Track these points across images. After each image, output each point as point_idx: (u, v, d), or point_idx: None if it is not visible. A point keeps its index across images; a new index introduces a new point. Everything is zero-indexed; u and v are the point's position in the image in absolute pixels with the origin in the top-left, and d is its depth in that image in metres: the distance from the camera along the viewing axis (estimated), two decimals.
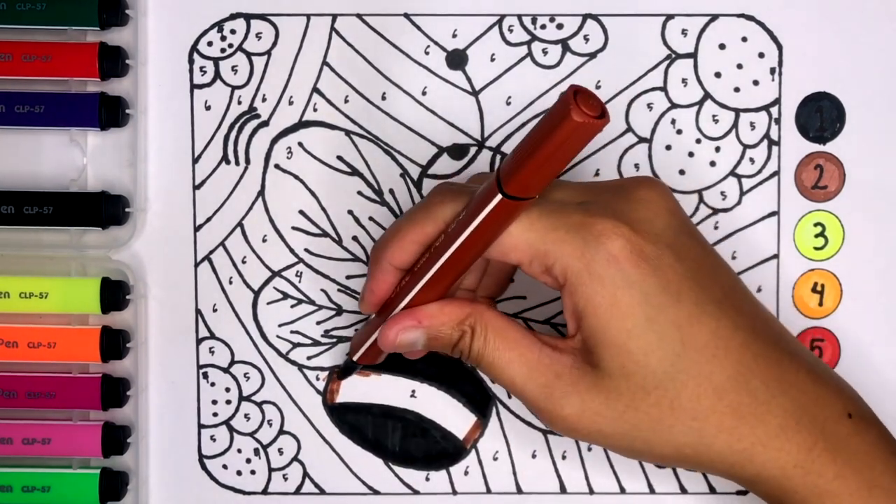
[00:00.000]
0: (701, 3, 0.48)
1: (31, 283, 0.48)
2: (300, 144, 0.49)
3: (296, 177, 0.49)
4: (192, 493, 0.50)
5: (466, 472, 0.50)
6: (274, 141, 0.49)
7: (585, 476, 0.49)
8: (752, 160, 0.49)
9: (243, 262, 0.49)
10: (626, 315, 0.38)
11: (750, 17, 0.48)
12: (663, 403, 0.39)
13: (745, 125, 0.48)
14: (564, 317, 0.40)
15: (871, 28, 0.48)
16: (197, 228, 0.49)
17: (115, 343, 0.48)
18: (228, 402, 0.50)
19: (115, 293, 0.48)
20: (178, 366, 0.49)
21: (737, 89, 0.48)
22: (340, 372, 0.49)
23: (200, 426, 0.50)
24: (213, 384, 0.49)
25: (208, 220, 0.49)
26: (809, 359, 0.41)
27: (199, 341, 0.49)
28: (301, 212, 0.49)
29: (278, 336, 0.49)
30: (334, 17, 0.49)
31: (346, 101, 0.49)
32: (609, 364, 0.39)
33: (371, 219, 0.49)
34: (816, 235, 0.49)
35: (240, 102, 0.49)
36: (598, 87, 0.48)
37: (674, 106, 0.49)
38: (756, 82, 0.48)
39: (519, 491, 0.50)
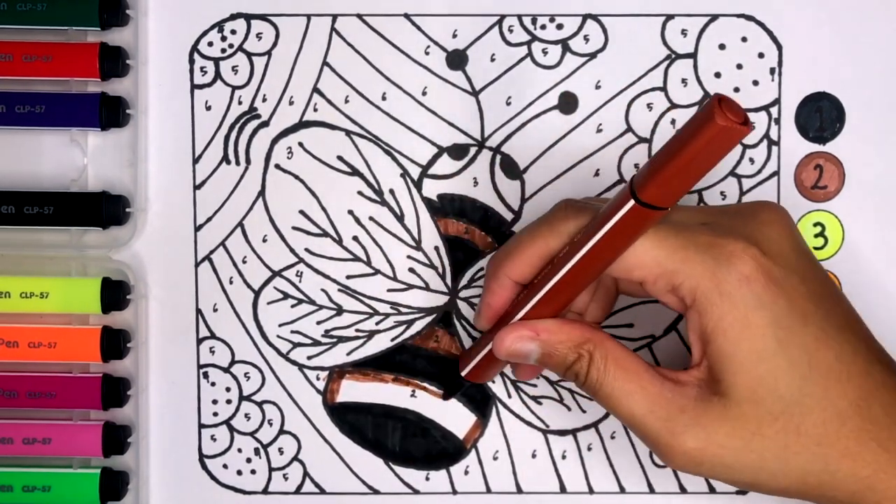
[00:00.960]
0: (701, 4, 0.48)
1: (32, 283, 0.48)
2: (300, 144, 0.49)
3: (296, 177, 0.49)
4: (193, 493, 0.50)
5: (466, 472, 0.50)
6: (274, 141, 0.49)
7: (585, 476, 0.49)
8: (751, 160, 0.49)
9: (244, 261, 0.49)
10: (757, 337, 0.38)
11: (750, 18, 0.48)
12: (790, 429, 0.38)
13: None
14: (689, 341, 0.40)
15: (871, 28, 0.48)
16: (197, 228, 0.49)
17: (115, 343, 0.48)
18: (229, 401, 0.50)
19: (115, 293, 0.48)
20: (178, 365, 0.49)
21: (737, 89, 0.48)
22: (446, 392, 0.49)
23: (201, 426, 0.50)
24: (213, 384, 0.49)
25: (209, 220, 0.49)
26: None
27: (199, 341, 0.49)
28: (301, 212, 0.49)
29: (278, 336, 0.49)
30: (334, 17, 0.49)
31: (347, 101, 0.49)
32: (737, 389, 0.38)
33: (371, 219, 0.49)
34: (816, 235, 0.49)
35: (240, 102, 0.49)
36: (598, 88, 0.48)
37: (674, 106, 0.49)
38: (756, 82, 0.48)
39: (519, 491, 0.50)
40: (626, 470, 0.49)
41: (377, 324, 0.49)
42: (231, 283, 0.49)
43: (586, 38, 0.48)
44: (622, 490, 0.49)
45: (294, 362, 0.50)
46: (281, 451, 0.50)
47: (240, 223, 0.49)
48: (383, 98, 0.49)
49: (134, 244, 0.49)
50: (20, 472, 0.48)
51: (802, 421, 0.38)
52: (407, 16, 0.49)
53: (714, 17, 0.48)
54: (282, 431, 0.50)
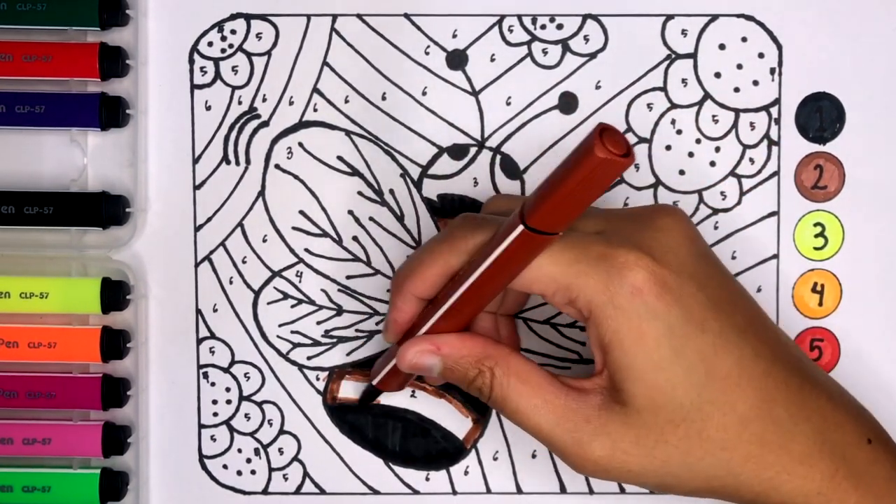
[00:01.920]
0: (701, 4, 0.48)
1: (32, 283, 0.48)
2: (300, 144, 0.49)
3: (296, 177, 0.49)
4: (193, 493, 0.50)
5: (466, 472, 0.50)
6: (274, 141, 0.49)
7: (585, 476, 0.49)
8: (751, 160, 0.49)
9: (243, 262, 0.49)
10: (652, 348, 0.38)
11: (750, 18, 0.48)
12: (692, 435, 0.39)
13: (745, 125, 0.49)
14: (590, 349, 0.40)
15: (871, 28, 0.48)
16: (197, 228, 0.49)
17: (115, 343, 0.48)
18: (229, 401, 0.50)
19: (115, 293, 0.48)
20: (178, 366, 0.49)
21: (737, 89, 0.48)
22: (361, 399, 0.49)
23: (201, 426, 0.50)
24: (213, 384, 0.49)
25: (209, 220, 0.49)
26: (829, 384, 0.41)
27: (199, 341, 0.49)
28: (301, 212, 0.49)
29: (278, 336, 0.49)
30: (334, 17, 0.49)
31: (346, 101, 0.49)
32: (638, 399, 0.39)
33: (371, 219, 0.49)
34: (816, 235, 0.49)
35: (240, 102, 0.49)
36: (598, 88, 0.48)
37: (674, 106, 0.49)
38: (756, 82, 0.48)
39: (519, 491, 0.50)
40: None
41: (377, 324, 0.49)
42: (231, 283, 0.49)
43: (586, 38, 0.48)
44: (622, 490, 0.49)
45: (294, 362, 0.50)
46: (281, 451, 0.50)
47: (240, 223, 0.49)
48: (383, 98, 0.49)
49: (134, 244, 0.49)
50: (20, 472, 0.48)
51: (704, 427, 0.39)
52: (407, 16, 0.49)
53: (714, 17, 0.48)
54: (282, 432, 0.50)
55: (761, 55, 0.48)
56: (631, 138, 0.49)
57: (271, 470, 0.50)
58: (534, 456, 0.50)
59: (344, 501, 0.50)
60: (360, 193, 0.49)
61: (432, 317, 0.42)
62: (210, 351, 0.49)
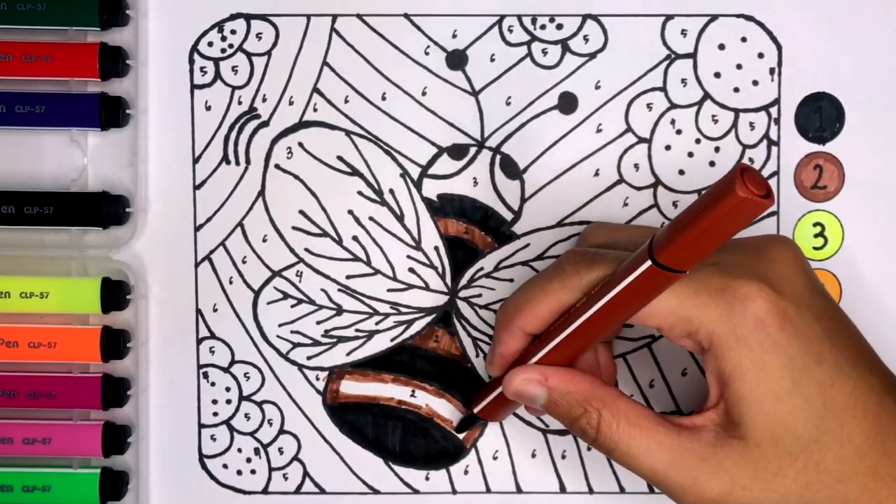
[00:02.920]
0: (700, 4, 0.48)
1: (32, 283, 0.48)
2: (300, 144, 0.49)
3: (296, 177, 0.49)
4: (193, 493, 0.50)
5: (466, 472, 0.50)
6: (274, 141, 0.49)
7: (585, 476, 0.49)
8: (751, 160, 0.49)
9: (243, 261, 0.49)
10: (774, 379, 0.38)
11: (749, 18, 0.48)
12: (810, 468, 0.39)
13: (745, 125, 0.49)
14: (707, 381, 0.40)
15: (871, 28, 0.48)
16: (197, 228, 0.49)
17: (115, 343, 0.48)
18: (229, 401, 0.50)
19: (115, 293, 0.48)
20: (178, 365, 0.49)
21: (736, 89, 0.48)
22: (458, 425, 0.49)
23: (201, 426, 0.50)
24: (213, 384, 0.49)
25: (209, 220, 0.49)
26: None
27: (199, 341, 0.49)
28: (301, 212, 0.49)
29: (278, 336, 0.49)
30: (334, 17, 0.49)
31: (346, 101, 0.49)
32: (757, 431, 0.38)
33: (371, 219, 0.49)
34: (816, 235, 0.49)
35: (240, 102, 0.49)
36: (597, 88, 0.48)
37: (673, 106, 0.49)
38: (755, 82, 0.48)
39: (519, 490, 0.50)
40: (625, 470, 0.49)
41: (377, 324, 0.49)
42: (231, 283, 0.49)
43: (586, 39, 0.48)
44: (622, 490, 0.49)
45: (294, 362, 0.50)
46: (281, 451, 0.50)
47: (240, 223, 0.49)
48: (383, 98, 0.49)
49: (134, 244, 0.49)
50: (20, 472, 0.48)
51: (822, 459, 0.39)
52: (407, 16, 0.49)
53: (714, 18, 0.48)
54: (282, 431, 0.50)
55: (761, 55, 0.48)
56: (631, 138, 0.49)
57: (271, 470, 0.50)
58: (533, 455, 0.50)
59: (344, 501, 0.50)
60: (360, 193, 0.49)
61: (540, 351, 0.42)
62: (210, 351, 0.49)
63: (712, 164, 0.49)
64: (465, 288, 0.49)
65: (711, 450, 0.39)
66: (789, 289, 0.39)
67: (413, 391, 0.49)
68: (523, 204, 0.49)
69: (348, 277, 0.49)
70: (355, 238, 0.49)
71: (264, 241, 0.49)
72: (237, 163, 0.49)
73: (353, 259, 0.49)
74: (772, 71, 0.48)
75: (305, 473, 0.50)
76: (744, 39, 0.48)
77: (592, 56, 0.48)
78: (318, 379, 0.50)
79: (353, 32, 0.49)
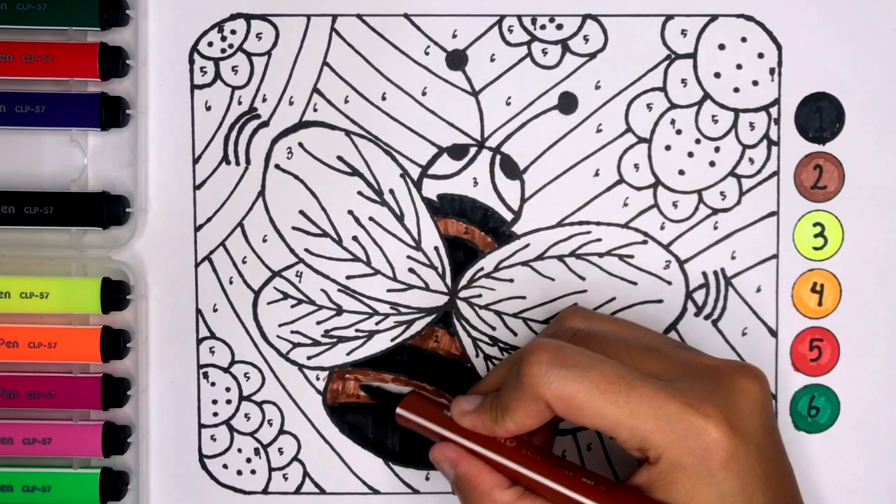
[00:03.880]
0: (700, 4, 0.48)
1: (32, 283, 0.48)
2: (300, 144, 0.49)
3: (296, 177, 0.49)
4: (193, 493, 0.50)
5: None
6: (274, 141, 0.49)
7: None
8: (751, 160, 0.49)
9: (243, 262, 0.49)
10: None
11: (749, 18, 0.48)
12: None
13: (745, 125, 0.49)
14: (637, 470, 0.41)
15: (870, 28, 0.48)
16: (197, 228, 0.49)
17: (115, 343, 0.48)
18: (229, 401, 0.50)
19: (115, 293, 0.48)
20: (178, 365, 0.49)
21: (736, 89, 0.48)
22: (374, 391, 0.49)
23: (201, 426, 0.50)
24: (213, 384, 0.49)
25: (209, 220, 0.49)
26: None
27: (199, 341, 0.49)
28: (301, 212, 0.49)
29: (278, 336, 0.49)
30: (334, 17, 0.49)
31: (346, 101, 0.49)
32: None
33: (371, 219, 0.49)
34: (816, 235, 0.49)
35: (240, 103, 0.49)
36: (597, 88, 0.48)
37: (673, 106, 0.49)
38: (755, 82, 0.48)
39: None
40: (625, 470, 0.49)
41: (377, 324, 0.49)
42: (231, 283, 0.49)
43: (586, 39, 0.48)
44: None
45: (294, 362, 0.50)
46: (281, 451, 0.50)
47: (240, 223, 0.49)
48: (383, 98, 0.49)
49: (134, 244, 0.49)
50: (20, 472, 0.48)
51: None
52: (407, 16, 0.49)
53: (714, 18, 0.48)
54: (282, 431, 0.50)
55: (761, 55, 0.48)
56: (631, 138, 0.49)
57: (271, 470, 0.50)
58: None
59: (344, 501, 0.50)
60: (360, 193, 0.49)
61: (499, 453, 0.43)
62: (210, 351, 0.49)
63: (712, 164, 0.49)
64: (465, 288, 0.49)
65: None
66: (745, 427, 0.39)
67: (413, 391, 0.49)
68: (523, 204, 0.49)
69: (348, 277, 0.49)
70: (355, 238, 0.49)
71: (264, 241, 0.49)
72: (237, 163, 0.49)
73: (353, 259, 0.49)
74: (772, 71, 0.48)
75: (305, 473, 0.50)
76: (744, 39, 0.48)
77: (592, 56, 0.49)
78: (318, 379, 0.50)
79: (353, 32, 0.49)
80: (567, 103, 0.49)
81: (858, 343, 0.49)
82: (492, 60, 0.49)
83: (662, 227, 0.49)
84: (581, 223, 0.49)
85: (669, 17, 0.48)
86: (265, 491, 0.50)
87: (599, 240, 0.49)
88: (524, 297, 0.49)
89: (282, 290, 0.49)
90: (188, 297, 0.49)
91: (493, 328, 0.49)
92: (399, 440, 0.50)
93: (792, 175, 0.49)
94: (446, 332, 0.49)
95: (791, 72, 0.48)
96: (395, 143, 0.49)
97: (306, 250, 0.49)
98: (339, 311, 0.49)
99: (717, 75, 0.48)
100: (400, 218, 0.49)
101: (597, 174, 0.49)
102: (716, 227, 0.49)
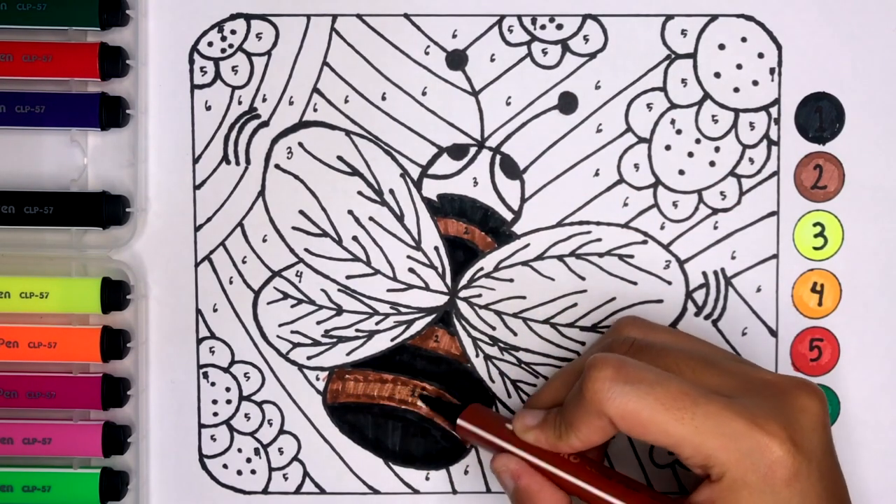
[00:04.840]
0: (700, 4, 0.48)
1: (32, 282, 0.48)
2: (300, 144, 0.49)
3: (296, 177, 0.49)
4: (193, 493, 0.50)
5: (466, 472, 0.50)
6: (274, 141, 0.49)
7: None
8: (751, 160, 0.49)
9: (243, 262, 0.49)
10: None
11: (749, 18, 0.48)
12: None
13: (745, 125, 0.49)
14: (696, 486, 0.41)
15: (870, 28, 0.48)
16: (197, 228, 0.49)
17: (115, 343, 0.48)
18: (229, 401, 0.50)
19: (115, 293, 0.48)
20: (178, 365, 0.49)
21: (736, 89, 0.48)
22: (435, 403, 0.49)
23: (201, 426, 0.50)
24: (213, 384, 0.49)
25: (208, 220, 0.49)
26: None
27: (199, 341, 0.49)
28: (301, 212, 0.49)
29: (278, 336, 0.49)
30: (334, 17, 0.49)
31: (346, 101, 0.49)
32: None
33: (371, 219, 0.49)
34: (816, 235, 0.49)
35: (240, 102, 0.49)
36: (597, 88, 0.48)
37: (673, 106, 0.49)
38: (755, 82, 0.48)
39: None
40: (625, 469, 0.49)
41: (377, 324, 0.49)
42: (231, 283, 0.49)
43: (586, 39, 0.48)
44: None
45: (294, 362, 0.50)
46: (281, 451, 0.50)
47: (240, 223, 0.49)
48: (383, 98, 0.49)
49: (134, 244, 0.49)
50: (20, 472, 0.48)
51: None
52: (407, 16, 0.49)
53: (714, 18, 0.48)
54: (282, 431, 0.50)
55: (761, 55, 0.48)
56: (631, 138, 0.49)
57: (271, 470, 0.50)
58: None
59: (344, 501, 0.50)
60: (360, 193, 0.49)
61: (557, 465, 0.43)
62: (210, 351, 0.49)
63: (712, 164, 0.49)
64: (465, 288, 0.49)
65: None
66: (808, 445, 0.39)
67: (413, 390, 0.49)
68: (523, 204, 0.49)
69: (348, 277, 0.49)
70: (355, 238, 0.49)
71: (264, 241, 0.49)
72: (237, 163, 0.49)
73: (353, 259, 0.49)
74: (772, 71, 0.48)
75: (305, 473, 0.50)
76: (744, 39, 0.48)
77: (592, 56, 0.49)
78: (318, 379, 0.50)
79: (353, 32, 0.49)
80: (567, 103, 0.49)
81: (858, 343, 0.49)
82: (492, 60, 0.49)
83: (662, 227, 0.49)
84: (581, 223, 0.49)
85: (669, 17, 0.48)
86: (265, 491, 0.50)
87: (599, 240, 0.49)
88: (524, 297, 0.49)
89: (282, 290, 0.49)
90: (188, 297, 0.49)
91: (493, 328, 0.49)
92: (399, 440, 0.50)
93: (792, 175, 0.49)
94: (446, 332, 0.49)
95: (791, 72, 0.48)
96: (395, 143, 0.49)
97: (306, 250, 0.49)
98: (339, 310, 0.49)
99: (717, 75, 0.48)
100: (400, 218, 0.49)
101: (597, 174, 0.49)
102: (716, 227, 0.49)
